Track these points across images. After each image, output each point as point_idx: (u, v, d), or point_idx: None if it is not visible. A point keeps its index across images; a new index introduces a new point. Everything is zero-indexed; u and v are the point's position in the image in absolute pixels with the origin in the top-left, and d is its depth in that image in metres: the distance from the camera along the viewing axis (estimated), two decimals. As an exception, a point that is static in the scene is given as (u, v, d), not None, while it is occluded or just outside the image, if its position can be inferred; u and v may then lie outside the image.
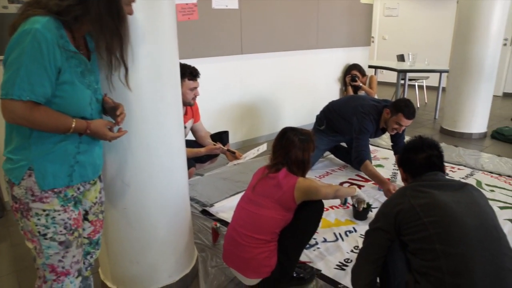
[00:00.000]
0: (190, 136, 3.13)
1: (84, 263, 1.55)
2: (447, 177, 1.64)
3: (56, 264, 1.36)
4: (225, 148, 2.90)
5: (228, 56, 4.00)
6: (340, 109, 3.48)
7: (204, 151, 2.88)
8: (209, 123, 3.93)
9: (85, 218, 1.49)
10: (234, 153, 2.86)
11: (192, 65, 2.74)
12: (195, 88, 2.76)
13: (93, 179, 1.46)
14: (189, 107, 2.91)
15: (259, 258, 1.81)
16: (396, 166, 3.51)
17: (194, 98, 2.79)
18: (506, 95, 7.79)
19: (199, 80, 2.77)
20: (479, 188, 1.59)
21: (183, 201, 1.97)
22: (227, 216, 2.76)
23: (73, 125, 1.26)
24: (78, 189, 1.38)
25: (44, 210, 1.28)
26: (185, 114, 2.87)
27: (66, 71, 1.22)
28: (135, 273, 1.88)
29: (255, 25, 4.13)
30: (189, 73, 2.67)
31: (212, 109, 3.97)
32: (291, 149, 1.89)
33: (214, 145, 2.86)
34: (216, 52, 3.87)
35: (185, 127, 2.33)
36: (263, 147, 2.73)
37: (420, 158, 1.62)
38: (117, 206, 1.76)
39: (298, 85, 4.82)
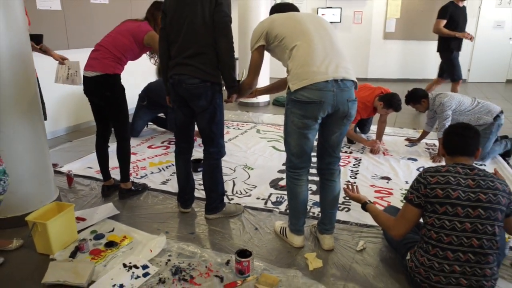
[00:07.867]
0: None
1: None
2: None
3: None
4: (38, 47, 3.38)
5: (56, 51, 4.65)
6: (157, 89, 4.55)
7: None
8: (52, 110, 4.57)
9: None
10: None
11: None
12: None
13: None
14: None
15: (105, 62, 2.77)
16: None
17: None
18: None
19: None
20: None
21: (41, 140, 2.80)
22: (80, 171, 3.58)
23: None
24: None
25: None
26: None
27: None
28: (14, 201, 2.63)
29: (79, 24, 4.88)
30: None
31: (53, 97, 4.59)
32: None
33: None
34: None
35: None
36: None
37: None
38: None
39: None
